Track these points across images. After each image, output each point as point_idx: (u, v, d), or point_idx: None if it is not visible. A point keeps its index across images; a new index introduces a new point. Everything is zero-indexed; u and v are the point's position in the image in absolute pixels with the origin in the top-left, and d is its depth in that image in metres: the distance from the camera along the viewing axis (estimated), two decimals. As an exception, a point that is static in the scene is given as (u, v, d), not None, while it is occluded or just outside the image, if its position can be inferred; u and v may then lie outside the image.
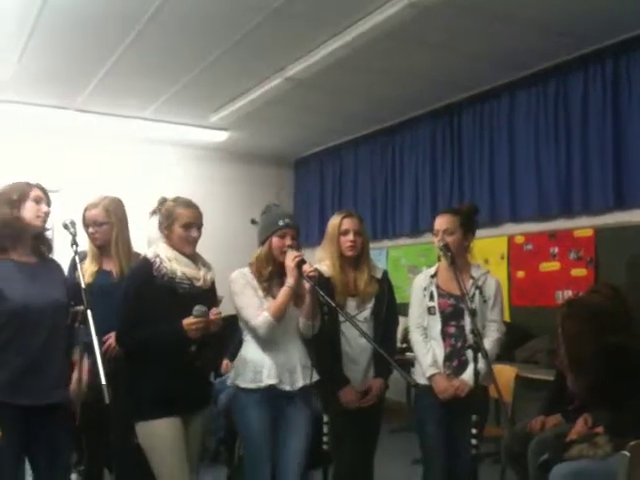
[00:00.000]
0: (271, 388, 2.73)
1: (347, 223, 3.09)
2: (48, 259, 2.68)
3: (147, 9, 4.01)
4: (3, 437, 2.28)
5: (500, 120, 5.41)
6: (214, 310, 2.63)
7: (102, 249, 3.24)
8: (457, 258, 3.03)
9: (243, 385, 2.77)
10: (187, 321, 2.55)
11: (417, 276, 3.29)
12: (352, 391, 3.00)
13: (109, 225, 3.21)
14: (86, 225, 3.24)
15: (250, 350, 2.82)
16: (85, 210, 3.26)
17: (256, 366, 2.76)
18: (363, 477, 3.18)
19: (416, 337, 3.12)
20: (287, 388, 2.76)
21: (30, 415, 2.43)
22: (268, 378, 2.73)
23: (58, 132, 6.49)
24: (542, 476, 2.96)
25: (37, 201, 2.56)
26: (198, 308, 2.56)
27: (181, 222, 2.71)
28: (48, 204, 2.62)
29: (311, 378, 2.81)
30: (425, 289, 3.13)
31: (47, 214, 2.59)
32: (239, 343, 2.97)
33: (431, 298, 3.11)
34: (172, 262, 2.66)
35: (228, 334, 3.10)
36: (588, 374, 3.02)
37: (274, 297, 2.76)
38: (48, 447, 2.51)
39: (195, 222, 2.75)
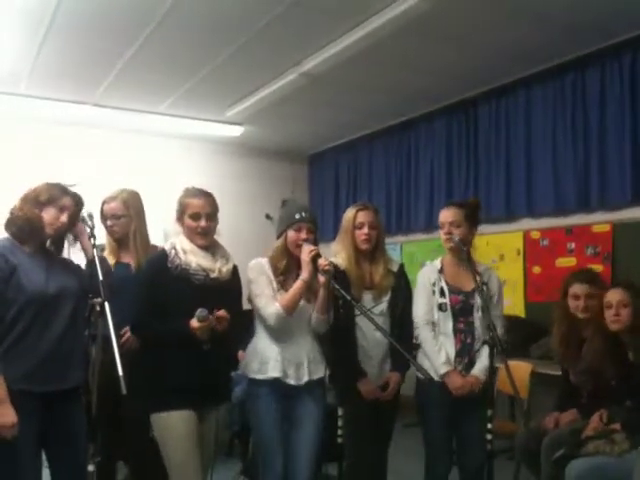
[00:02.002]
0: (277, 381, 2.74)
1: (362, 216, 3.08)
2: (55, 254, 2.71)
3: (163, 4, 4.02)
4: (21, 426, 2.30)
5: (517, 115, 5.37)
6: (221, 312, 2.57)
7: (120, 242, 3.26)
8: (463, 253, 3.04)
9: (251, 375, 2.80)
10: (192, 324, 2.53)
11: (421, 270, 3.25)
12: (370, 382, 3.00)
13: (127, 218, 3.23)
14: (104, 218, 3.26)
15: (260, 341, 2.83)
16: (103, 203, 3.28)
17: (262, 357, 2.78)
18: (377, 471, 3.18)
19: (426, 334, 3.08)
20: (292, 382, 2.76)
21: (48, 403, 2.46)
22: (273, 371, 2.74)
23: (75, 126, 6.53)
24: (557, 472, 2.95)
25: (61, 210, 2.57)
26: (199, 312, 2.51)
27: (189, 212, 2.69)
28: (72, 215, 2.61)
29: (324, 372, 2.81)
30: (434, 285, 3.11)
31: (63, 225, 2.58)
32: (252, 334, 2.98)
33: (442, 294, 3.09)
34: (187, 254, 2.64)
35: (244, 328, 3.09)
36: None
37: (287, 291, 2.75)
38: (64, 436, 2.54)
39: (203, 211, 2.69)
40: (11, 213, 2.57)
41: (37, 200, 2.55)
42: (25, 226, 2.53)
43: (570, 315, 3.33)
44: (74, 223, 2.64)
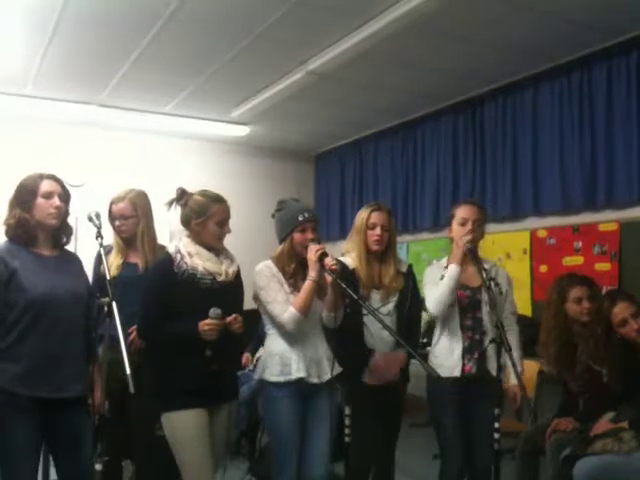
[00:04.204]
0: (299, 381, 2.73)
1: (375, 217, 3.07)
2: (67, 252, 2.69)
3: (169, 4, 4.03)
4: (19, 428, 2.32)
5: (523, 113, 5.35)
6: (234, 316, 2.59)
7: (128, 242, 3.26)
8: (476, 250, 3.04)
9: (271, 379, 2.76)
10: (202, 322, 2.52)
11: (428, 268, 3.24)
12: (381, 356, 2.97)
13: (135, 218, 3.24)
14: (113, 218, 3.26)
15: (276, 343, 2.80)
16: (111, 204, 3.29)
17: (283, 359, 2.75)
18: (383, 470, 3.19)
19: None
20: (315, 381, 2.76)
21: (48, 407, 2.44)
22: (297, 372, 2.72)
23: (81, 127, 6.55)
24: (564, 471, 2.94)
25: (47, 197, 2.52)
26: (213, 310, 2.51)
27: (217, 219, 2.67)
28: (62, 196, 2.57)
29: (332, 370, 2.80)
30: (441, 279, 3.09)
31: (59, 208, 2.54)
32: (259, 337, 2.97)
33: None
34: (194, 257, 2.63)
35: (248, 329, 3.09)
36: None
37: (299, 292, 2.74)
38: (68, 439, 2.53)
39: (228, 218, 2.71)
40: (4, 223, 2.55)
41: (22, 201, 2.51)
42: (18, 230, 2.51)
43: (569, 321, 3.30)
44: (69, 200, 2.61)
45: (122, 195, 3.28)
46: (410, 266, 3.24)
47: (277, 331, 2.80)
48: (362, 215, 3.11)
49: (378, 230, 3.05)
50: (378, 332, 2.99)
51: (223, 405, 2.73)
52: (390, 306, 3.07)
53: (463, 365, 3.02)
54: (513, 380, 2.95)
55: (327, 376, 2.77)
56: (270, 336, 2.85)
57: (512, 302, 3.18)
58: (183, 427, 2.57)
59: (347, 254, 3.11)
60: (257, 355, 4.96)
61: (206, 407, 2.61)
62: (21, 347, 2.41)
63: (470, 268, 3.07)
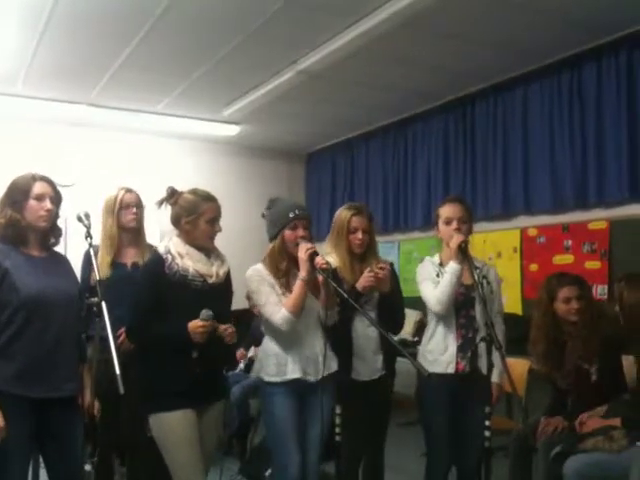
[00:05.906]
0: (295, 381, 2.72)
1: (356, 221, 3.06)
2: (55, 253, 2.68)
3: (159, 3, 4.01)
4: (11, 429, 2.30)
5: (514, 112, 5.37)
6: (227, 326, 2.59)
7: (135, 232, 3.29)
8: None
9: (267, 379, 2.76)
10: (193, 324, 2.51)
11: (420, 265, 3.22)
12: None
13: (142, 210, 3.28)
14: (126, 206, 3.27)
15: (272, 343, 2.80)
16: (124, 193, 3.30)
17: (279, 359, 2.75)
18: (374, 468, 3.19)
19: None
20: (311, 380, 2.76)
21: (41, 407, 2.44)
22: (293, 372, 2.73)
23: (71, 126, 6.52)
24: (555, 468, 2.94)
25: (39, 199, 2.50)
26: (205, 312, 2.50)
27: (207, 217, 2.64)
28: (54, 198, 2.55)
29: (331, 367, 2.81)
30: (438, 276, 3.09)
31: (50, 211, 2.52)
32: (253, 335, 2.97)
33: None
34: (184, 258, 2.61)
35: (240, 328, 3.08)
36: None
37: (292, 291, 2.72)
38: (59, 439, 2.52)
39: (219, 216, 2.70)
40: None
41: (14, 201, 2.49)
42: (8, 229, 2.49)
43: (557, 321, 3.31)
44: (60, 203, 2.60)
45: (128, 187, 3.33)
46: (391, 265, 3.22)
47: (273, 332, 2.79)
48: (342, 218, 3.08)
49: (359, 234, 3.04)
50: (363, 329, 3.00)
51: (212, 405, 2.71)
52: (372, 303, 3.06)
53: (456, 363, 3.03)
54: (494, 378, 2.98)
55: (322, 374, 2.75)
56: (267, 336, 2.85)
57: (500, 301, 3.19)
58: (171, 428, 2.55)
59: (327, 255, 3.10)
60: (249, 354, 4.96)
61: (194, 408, 2.60)
62: (14, 347, 2.40)
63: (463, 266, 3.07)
